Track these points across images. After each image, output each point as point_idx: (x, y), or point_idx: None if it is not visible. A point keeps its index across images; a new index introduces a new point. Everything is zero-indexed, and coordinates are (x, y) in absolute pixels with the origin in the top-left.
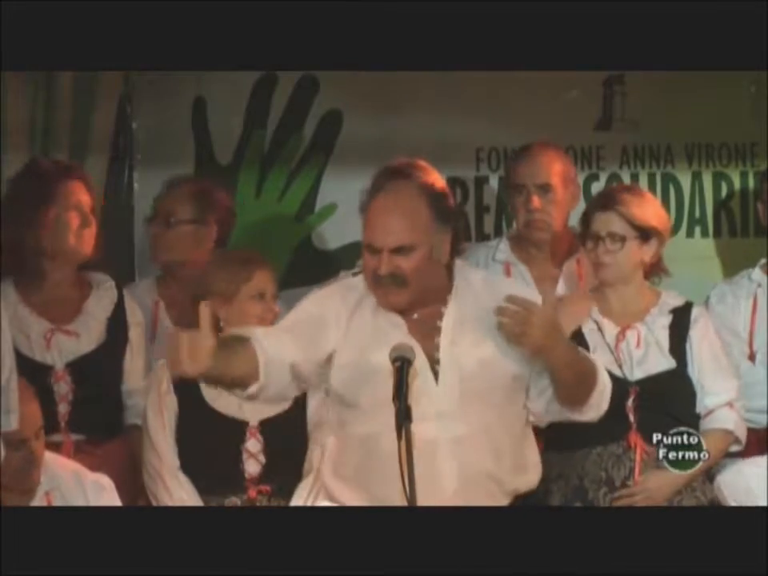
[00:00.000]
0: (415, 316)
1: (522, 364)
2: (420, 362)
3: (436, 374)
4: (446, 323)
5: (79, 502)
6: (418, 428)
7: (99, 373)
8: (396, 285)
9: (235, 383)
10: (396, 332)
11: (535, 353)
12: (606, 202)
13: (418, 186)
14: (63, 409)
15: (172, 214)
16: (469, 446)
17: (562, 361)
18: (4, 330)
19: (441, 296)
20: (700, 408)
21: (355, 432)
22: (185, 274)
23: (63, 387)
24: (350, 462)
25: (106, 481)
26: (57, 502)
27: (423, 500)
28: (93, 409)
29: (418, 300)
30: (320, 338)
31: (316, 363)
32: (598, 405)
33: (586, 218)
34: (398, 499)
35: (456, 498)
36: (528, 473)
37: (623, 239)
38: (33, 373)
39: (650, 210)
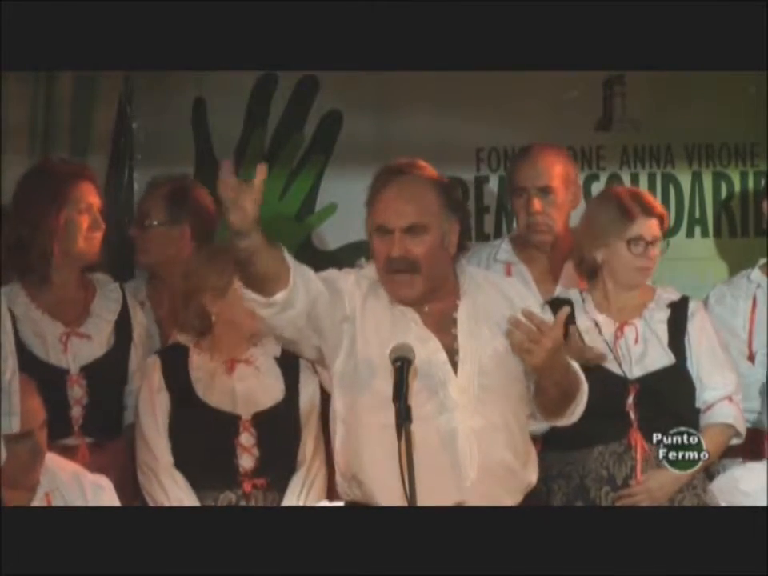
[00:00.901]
0: (426, 309)
1: None
2: (439, 353)
3: (455, 365)
4: (462, 315)
5: (78, 503)
6: (438, 419)
7: (109, 375)
8: (408, 270)
9: (265, 279)
10: (412, 324)
11: (533, 370)
12: (646, 207)
13: (426, 178)
14: (77, 413)
15: (146, 217)
16: (487, 438)
17: (553, 381)
18: (7, 332)
19: (450, 289)
20: (699, 403)
21: (371, 421)
22: (165, 275)
23: (77, 391)
24: (365, 450)
25: (104, 481)
26: (57, 503)
27: (442, 491)
28: (102, 411)
29: (428, 290)
30: (338, 299)
31: (333, 316)
32: (571, 415)
33: (617, 224)
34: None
35: (475, 488)
36: (531, 467)
37: (659, 242)
38: (47, 377)
39: (665, 210)
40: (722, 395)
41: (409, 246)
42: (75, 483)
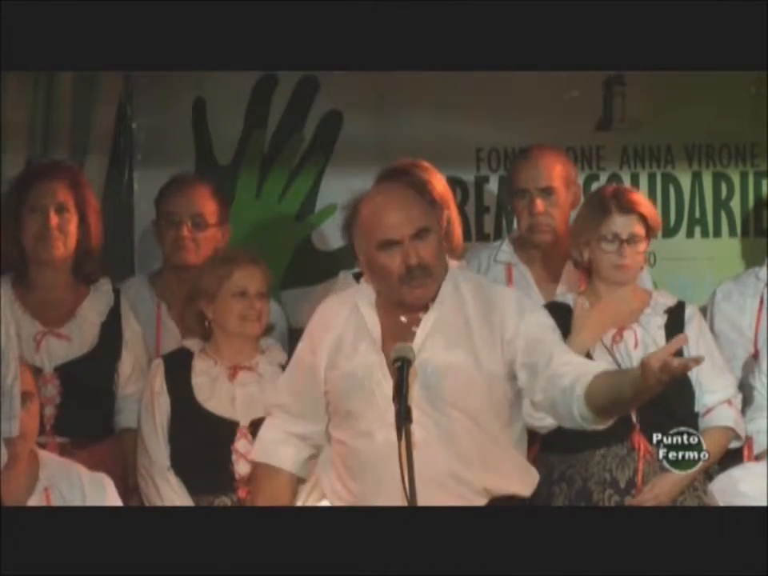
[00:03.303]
0: (403, 319)
1: (500, 368)
2: (382, 369)
3: None
4: (422, 330)
5: (77, 500)
6: (380, 432)
7: (88, 377)
8: (425, 276)
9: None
10: (367, 341)
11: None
12: (624, 204)
13: (397, 186)
14: (49, 412)
15: (199, 217)
16: (428, 449)
17: (635, 397)
18: (10, 337)
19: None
20: (699, 407)
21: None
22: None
23: (50, 390)
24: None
25: (104, 479)
26: (55, 499)
27: (383, 501)
28: (80, 412)
29: (436, 288)
30: (317, 382)
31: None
32: (606, 423)
33: (594, 221)
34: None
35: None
36: (501, 475)
37: (642, 240)
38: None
39: (654, 210)
40: (721, 398)
41: (420, 252)
42: (75, 480)
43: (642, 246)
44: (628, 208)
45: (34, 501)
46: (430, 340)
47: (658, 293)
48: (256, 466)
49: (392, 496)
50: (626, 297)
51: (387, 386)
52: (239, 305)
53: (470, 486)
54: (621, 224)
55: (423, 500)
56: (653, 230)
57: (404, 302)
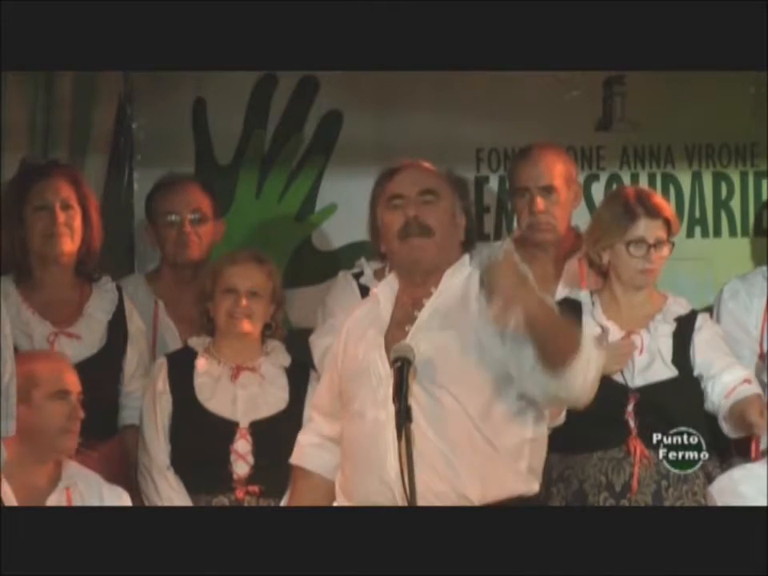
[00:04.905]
0: (409, 302)
1: (492, 353)
2: (380, 350)
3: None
4: (423, 313)
5: (95, 503)
6: (368, 414)
7: (100, 375)
8: (422, 234)
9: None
10: (370, 333)
11: (507, 303)
12: (650, 208)
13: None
14: None
15: (196, 212)
16: (416, 430)
17: (534, 312)
18: (6, 335)
19: (433, 280)
20: (718, 391)
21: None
22: (186, 273)
23: None
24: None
25: (122, 493)
26: (75, 500)
27: (368, 485)
28: (92, 412)
29: (440, 259)
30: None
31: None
32: (581, 373)
33: (620, 225)
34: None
35: (401, 480)
36: (474, 469)
37: (666, 244)
38: None
39: (674, 213)
40: (741, 377)
41: (423, 210)
42: (95, 486)
43: (666, 251)
44: (655, 212)
45: (54, 500)
46: (427, 322)
47: (674, 299)
48: (294, 468)
49: (376, 479)
50: (642, 302)
51: (383, 367)
52: (227, 301)
53: (450, 467)
54: (648, 228)
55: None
56: (673, 234)
57: (404, 260)
